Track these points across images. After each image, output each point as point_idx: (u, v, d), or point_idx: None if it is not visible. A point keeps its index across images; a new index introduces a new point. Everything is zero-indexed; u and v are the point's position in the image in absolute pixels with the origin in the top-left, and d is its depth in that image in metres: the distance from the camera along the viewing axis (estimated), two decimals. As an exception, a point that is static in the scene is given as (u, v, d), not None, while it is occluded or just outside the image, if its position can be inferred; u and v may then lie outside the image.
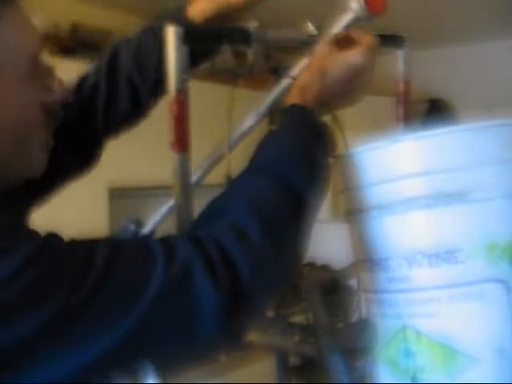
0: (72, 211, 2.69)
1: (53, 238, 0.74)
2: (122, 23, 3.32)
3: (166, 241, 0.77)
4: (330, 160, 0.90)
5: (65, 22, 3.01)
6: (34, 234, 0.74)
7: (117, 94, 1.14)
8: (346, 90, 0.96)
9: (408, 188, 0.76)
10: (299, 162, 0.85)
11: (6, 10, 0.79)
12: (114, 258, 0.73)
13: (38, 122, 0.84)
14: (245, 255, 0.74)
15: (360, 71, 0.95)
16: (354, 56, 0.94)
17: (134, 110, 1.21)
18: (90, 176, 3.07)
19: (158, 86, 1.10)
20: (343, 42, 0.98)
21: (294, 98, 0.94)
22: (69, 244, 0.75)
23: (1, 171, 0.82)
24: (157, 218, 1.30)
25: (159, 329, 0.72)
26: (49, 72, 0.86)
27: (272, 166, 0.84)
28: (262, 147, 0.89)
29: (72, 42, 2.99)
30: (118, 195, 3.07)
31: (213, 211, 0.83)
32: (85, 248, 0.74)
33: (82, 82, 1.14)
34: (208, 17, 1.08)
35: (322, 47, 0.99)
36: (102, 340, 0.70)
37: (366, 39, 0.96)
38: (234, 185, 0.88)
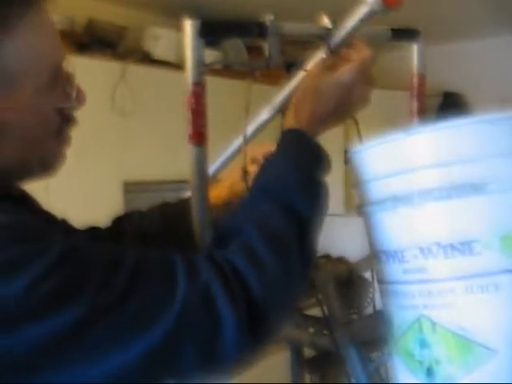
0: (88, 205, 2.72)
1: (80, 244, 0.76)
2: (137, 20, 3.33)
3: (188, 259, 0.79)
4: (325, 177, 0.94)
5: (80, 19, 3.02)
6: (61, 236, 0.75)
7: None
8: (339, 107, 0.99)
9: (423, 180, 0.76)
10: (299, 184, 0.89)
11: (29, 13, 0.78)
12: (139, 271, 0.75)
13: (53, 126, 0.85)
14: (257, 277, 0.78)
15: (351, 87, 0.98)
16: (344, 73, 0.98)
17: None
18: (106, 170, 3.09)
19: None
20: (336, 61, 1.01)
21: (289, 122, 0.98)
22: (96, 251, 0.76)
23: (16, 170, 0.84)
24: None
25: (179, 346, 0.74)
26: (69, 79, 0.86)
27: (275, 190, 0.89)
28: (265, 172, 0.94)
29: (87, 39, 3.01)
30: (133, 189, 3.09)
31: (225, 234, 0.87)
32: (111, 257, 0.76)
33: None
34: (220, 202, 1.17)
35: (314, 68, 1.02)
36: (120, 354, 0.72)
37: (356, 56, 1.00)
38: (243, 209, 0.92)
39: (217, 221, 1.13)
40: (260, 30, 1.01)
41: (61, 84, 0.84)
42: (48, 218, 1.03)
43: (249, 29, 1.01)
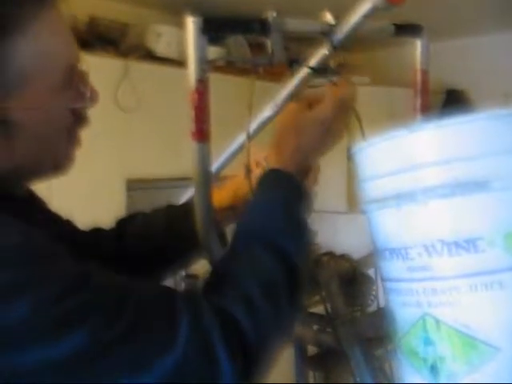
0: (90, 202, 2.72)
1: (89, 270, 0.75)
2: (139, 17, 3.33)
3: (191, 303, 0.79)
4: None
5: (82, 16, 3.02)
6: (72, 260, 0.75)
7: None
8: (320, 143, 1.02)
9: (427, 177, 0.75)
10: (288, 227, 0.92)
11: (42, 12, 0.78)
12: (144, 310, 0.75)
13: (66, 125, 0.85)
14: (253, 327, 0.79)
15: (330, 124, 1.01)
16: (322, 111, 1.00)
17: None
18: (109, 167, 3.10)
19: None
20: (311, 100, 1.04)
21: (272, 160, 1.00)
22: (104, 280, 0.76)
23: (28, 168, 0.85)
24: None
25: None
26: (83, 78, 0.87)
27: (265, 235, 0.91)
28: (252, 214, 0.96)
29: (90, 36, 3.01)
30: (136, 186, 3.09)
31: (220, 277, 0.87)
32: (118, 290, 0.76)
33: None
34: (223, 206, 1.18)
35: (291, 106, 1.05)
36: None
37: (330, 93, 1.02)
38: (235, 252, 0.92)
39: (220, 225, 1.14)
40: (262, 26, 1.01)
41: (75, 83, 0.84)
42: (54, 220, 1.03)
43: (251, 25, 1.02)
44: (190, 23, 0.97)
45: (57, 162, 0.88)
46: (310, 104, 1.03)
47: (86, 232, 1.14)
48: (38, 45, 0.77)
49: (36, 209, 0.97)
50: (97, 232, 1.16)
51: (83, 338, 0.68)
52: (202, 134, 1.01)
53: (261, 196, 0.98)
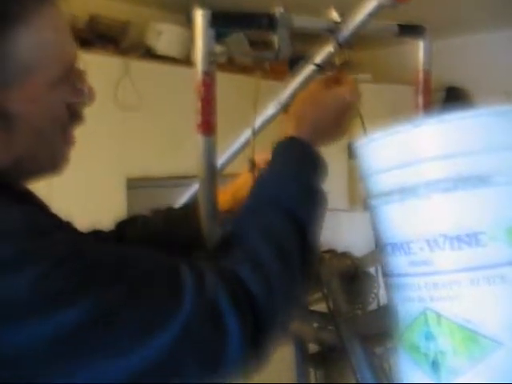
0: (91, 201, 2.72)
1: (89, 243, 0.77)
2: (139, 15, 3.33)
3: (196, 269, 0.78)
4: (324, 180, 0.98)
5: (82, 14, 3.02)
6: (70, 234, 0.76)
7: None
8: (335, 123, 1.02)
9: (429, 171, 0.76)
10: (301, 192, 0.92)
11: (44, 8, 0.79)
12: (147, 277, 0.75)
13: (63, 120, 0.86)
14: (263, 289, 0.78)
15: (348, 107, 1.02)
16: (344, 92, 1.02)
17: None
18: (109, 166, 3.10)
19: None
20: (331, 81, 1.05)
21: (290, 130, 1.00)
22: (105, 251, 0.76)
23: (26, 164, 0.84)
24: (183, 202, 1.32)
25: (182, 357, 0.73)
26: (80, 76, 0.87)
27: (277, 198, 0.90)
28: (266, 179, 0.96)
29: (89, 34, 3.01)
30: (136, 185, 3.09)
31: (230, 241, 0.87)
32: (120, 259, 0.76)
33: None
34: (222, 210, 1.16)
35: (312, 85, 1.05)
36: (122, 360, 0.71)
37: (350, 80, 1.05)
38: (245, 216, 0.93)
39: (220, 227, 1.14)
40: (270, 21, 1.02)
41: (72, 80, 0.85)
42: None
43: (259, 20, 1.02)
44: (199, 16, 0.98)
45: (54, 160, 0.88)
46: (329, 85, 1.04)
47: (85, 233, 1.14)
48: (39, 38, 0.78)
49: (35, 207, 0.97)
50: (96, 233, 1.15)
51: (86, 306, 0.69)
52: (208, 126, 1.01)
53: (275, 162, 0.97)
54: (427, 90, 1.24)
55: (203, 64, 0.99)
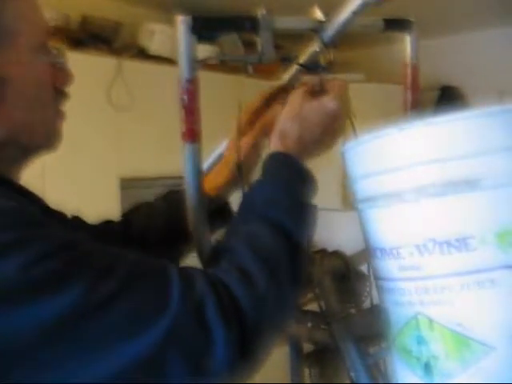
0: (85, 200, 2.71)
1: (79, 237, 0.78)
2: (132, 15, 3.33)
3: (184, 272, 0.79)
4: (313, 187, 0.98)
5: (75, 15, 3.01)
6: (60, 227, 0.78)
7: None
8: (323, 134, 1.00)
9: (418, 176, 0.75)
10: (288, 206, 0.92)
11: None
12: (135, 275, 0.76)
13: (50, 94, 0.92)
14: (249, 297, 0.78)
15: (335, 116, 1.00)
16: (329, 101, 1.00)
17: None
18: (102, 166, 3.09)
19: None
20: (315, 89, 1.04)
21: (276, 145, 1.00)
22: (95, 247, 0.77)
23: (21, 137, 0.89)
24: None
25: (167, 359, 0.73)
26: (59, 57, 0.95)
27: (265, 211, 0.91)
28: (254, 193, 0.96)
29: (82, 35, 3.00)
30: (130, 185, 3.09)
31: (219, 253, 0.88)
32: (110, 255, 0.77)
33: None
34: (220, 189, 1.21)
35: (296, 95, 1.03)
36: (105, 358, 0.71)
37: (337, 85, 1.02)
38: (233, 230, 0.94)
39: (221, 199, 1.19)
40: (252, 24, 1.01)
41: (51, 58, 0.93)
42: (59, 218, 1.06)
43: (241, 23, 1.01)
44: (180, 22, 0.97)
45: (47, 132, 0.92)
46: (314, 93, 1.03)
47: (94, 225, 1.17)
48: (19, 9, 0.88)
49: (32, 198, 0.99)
50: (106, 224, 1.20)
51: (73, 297, 0.69)
52: (192, 134, 1.01)
53: (263, 176, 0.97)
54: (415, 86, 1.23)
55: (186, 71, 0.98)
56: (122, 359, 0.71)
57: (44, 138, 0.92)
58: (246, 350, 0.77)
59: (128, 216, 1.23)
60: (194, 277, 0.78)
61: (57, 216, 1.06)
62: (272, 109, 1.19)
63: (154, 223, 1.20)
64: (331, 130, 1.01)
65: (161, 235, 1.18)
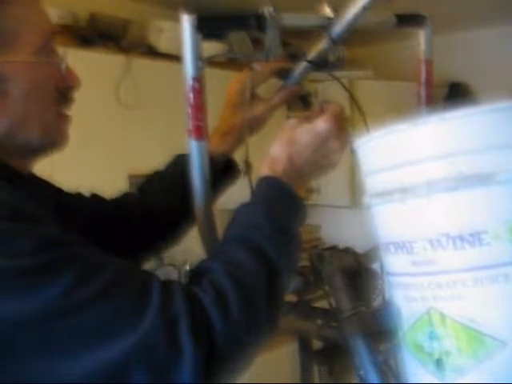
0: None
1: (71, 238, 0.80)
2: (140, 13, 3.33)
3: (166, 285, 0.81)
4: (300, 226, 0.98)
5: (83, 13, 3.02)
6: (53, 225, 0.81)
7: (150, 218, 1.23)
8: (315, 156, 1.01)
9: (431, 170, 0.75)
10: (272, 232, 0.92)
11: None
12: (118, 280, 0.78)
13: (51, 95, 0.95)
14: (222, 320, 0.80)
15: (326, 137, 1.00)
16: (319, 123, 1.00)
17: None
18: (111, 163, 3.10)
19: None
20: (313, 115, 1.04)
21: (265, 170, 1.01)
22: (85, 250, 0.79)
23: (19, 134, 0.91)
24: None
25: (134, 367, 0.75)
26: (62, 61, 0.96)
27: (247, 237, 0.91)
28: (239, 218, 0.96)
29: (90, 33, 3.01)
30: (138, 182, 3.09)
31: (201, 271, 0.89)
32: (96, 258, 0.79)
33: (123, 199, 1.28)
34: (231, 145, 1.23)
35: (290, 121, 1.04)
36: (77, 359, 0.73)
37: (331, 108, 1.03)
38: (215, 253, 0.95)
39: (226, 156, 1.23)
40: (258, 22, 1.00)
41: (54, 59, 0.96)
42: (62, 194, 1.13)
43: (247, 22, 1.00)
44: (185, 21, 0.97)
45: (46, 132, 0.94)
46: (308, 119, 1.04)
47: (112, 199, 1.25)
48: (22, 12, 0.90)
49: (38, 186, 1.02)
50: (124, 197, 1.27)
51: (55, 293, 0.72)
52: (198, 131, 1.01)
53: (251, 199, 0.99)
54: (429, 82, 1.22)
55: (191, 70, 0.98)
56: (89, 363, 0.73)
57: (39, 137, 0.93)
58: (212, 371, 0.79)
59: (143, 188, 1.28)
60: (174, 293, 0.80)
61: (67, 202, 1.10)
62: (256, 105, 1.20)
63: (169, 193, 1.23)
64: (324, 150, 1.01)
65: (176, 204, 1.20)
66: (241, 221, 0.96)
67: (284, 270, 0.91)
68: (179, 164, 1.22)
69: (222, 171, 1.23)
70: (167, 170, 1.28)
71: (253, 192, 1.00)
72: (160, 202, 1.23)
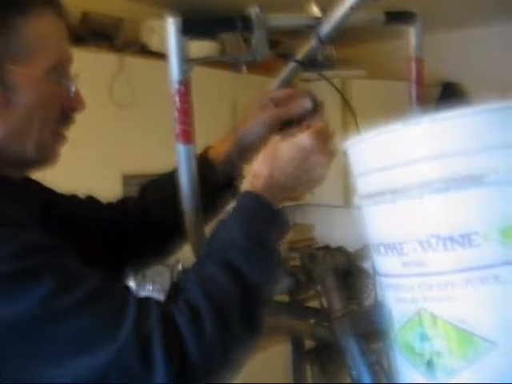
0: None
1: (54, 246, 0.80)
2: (133, 12, 3.32)
3: (142, 302, 0.83)
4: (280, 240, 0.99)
5: (76, 11, 3.01)
6: (38, 234, 0.81)
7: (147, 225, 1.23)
8: (298, 172, 1.00)
9: (422, 172, 0.75)
10: (249, 250, 0.92)
11: (48, 12, 0.94)
12: (97, 294, 0.79)
13: (55, 114, 0.95)
14: (194, 337, 0.81)
15: (309, 152, 0.99)
16: (302, 138, 1.00)
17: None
18: (104, 163, 3.10)
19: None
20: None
21: (247, 186, 1.01)
22: (69, 262, 0.81)
23: (12, 144, 0.92)
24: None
25: (110, 380, 0.76)
26: (72, 84, 0.97)
27: (225, 254, 0.91)
28: (217, 234, 0.97)
29: (83, 31, 3.00)
30: (132, 182, 3.08)
31: (177, 289, 0.90)
32: (77, 271, 0.80)
33: (122, 204, 1.27)
34: (231, 156, 1.19)
35: (275, 137, 1.06)
36: (53, 368, 0.75)
37: (316, 124, 1.03)
38: (193, 268, 0.95)
39: (228, 168, 1.21)
40: (245, 24, 0.99)
41: (65, 83, 0.96)
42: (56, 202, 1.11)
43: (233, 23, 1.00)
44: (170, 24, 0.96)
45: (39, 148, 0.94)
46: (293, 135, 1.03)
47: (110, 204, 1.24)
48: (44, 29, 0.92)
49: (28, 190, 1.02)
50: (123, 203, 1.27)
51: (34, 300, 0.72)
52: (185, 135, 1.00)
53: (230, 215, 0.99)
54: (420, 80, 1.21)
55: (177, 73, 0.98)
56: (66, 377, 0.74)
57: (32, 152, 0.94)
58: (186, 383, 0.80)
59: (145, 193, 1.28)
60: (150, 310, 0.81)
61: (61, 204, 1.11)
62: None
63: (171, 201, 1.19)
64: (308, 165, 1.00)
65: (177, 214, 1.18)
66: (218, 237, 0.96)
67: (261, 284, 0.92)
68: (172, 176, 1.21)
69: (225, 187, 1.22)
70: (170, 177, 1.25)
71: (233, 207, 1.00)
72: (160, 211, 1.22)
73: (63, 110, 0.97)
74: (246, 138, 1.17)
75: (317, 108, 1.10)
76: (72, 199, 1.20)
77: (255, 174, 1.01)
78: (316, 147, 0.99)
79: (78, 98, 0.99)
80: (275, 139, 1.04)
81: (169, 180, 1.20)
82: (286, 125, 1.13)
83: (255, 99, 1.17)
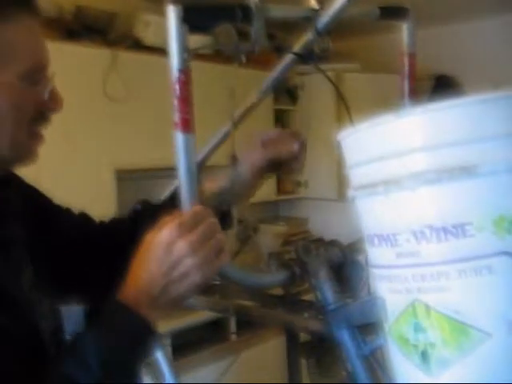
0: (81, 192, 2.71)
1: None
2: (126, 6, 3.31)
3: None
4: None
5: (69, 6, 3.00)
6: None
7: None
8: (162, 270, 0.91)
9: (415, 163, 0.75)
10: (101, 366, 0.86)
11: (23, 16, 0.92)
12: None
13: (28, 115, 0.95)
14: None
15: (170, 245, 0.90)
16: (161, 230, 0.92)
17: None
18: (98, 158, 3.09)
19: None
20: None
21: (119, 290, 0.93)
22: None
23: None
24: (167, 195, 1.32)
25: None
26: (49, 84, 0.97)
27: (73, 375, 0.86)
28: (71, 349, 0.91)
29: (76, 26, 2.99)
30: (125, 177, 3.08)
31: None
32: None
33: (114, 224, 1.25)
34: (223, 190, 1.20)
35: (149, 234, 0.94)
36: None
37: (178, 215, 0.95)
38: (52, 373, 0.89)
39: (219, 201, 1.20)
40: (244, 13, 1.00)
41: (41, 84, 0.96)
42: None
43: (233, 13, 1.00)
44: (171, 12, 0.96)
45: (14, 149, 0.94)
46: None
47: (102, 223, 1.23)
48: (16, 36, 0.91)
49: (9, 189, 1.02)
50: (116, 223, 1.25)
51: None
52: (185, 124, 1.00)
53: (93, 325, 0.92)
54: (412, 75, 1.22)
55: (177, 62, 0.98)
56: None
57: (7, 152, 0.94)
58: None
59: (137, 219, 1.22)
60: None
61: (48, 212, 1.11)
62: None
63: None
64: (171, 265, 0.91)
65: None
66: (72, 354, 0.89)
67: None
68: (176, 199, 1.14)
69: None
70: (163, 203, 1.24)
71: (101, 314, 0.92)
72: None
73: (39, 110, 0.96)
74: (236, 178, 1.18)
75: (301, 151, 1.11)
76: (65, 213, 1.19)
77: (128, 276, 0.93)
78: (178, 237, 0.90)
79: (54, 98, 0.98)
80: (149, 237, 0.93)
81: (165, 210, 1.18)
82: (275, 166, 1.15)
83: (250, 139, 1.18)
